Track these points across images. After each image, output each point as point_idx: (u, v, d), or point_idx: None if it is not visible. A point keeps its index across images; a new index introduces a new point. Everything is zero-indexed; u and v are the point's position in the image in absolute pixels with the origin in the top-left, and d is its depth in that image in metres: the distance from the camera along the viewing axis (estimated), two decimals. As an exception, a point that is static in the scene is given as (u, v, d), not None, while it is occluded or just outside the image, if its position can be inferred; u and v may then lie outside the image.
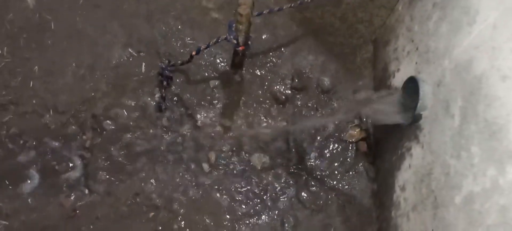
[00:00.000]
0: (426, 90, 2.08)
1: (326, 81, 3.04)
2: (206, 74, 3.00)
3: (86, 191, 2.76)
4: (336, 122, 2.96)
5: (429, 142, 2.09)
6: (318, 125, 2.97)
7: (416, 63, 2.31)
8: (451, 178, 1.88)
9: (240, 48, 2.57)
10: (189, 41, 3.04)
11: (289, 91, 3.03)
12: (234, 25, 2.48)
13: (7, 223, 2.60)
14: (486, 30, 1.71)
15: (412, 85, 2.21)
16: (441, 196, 1.94)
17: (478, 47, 1.74)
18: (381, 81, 2.87)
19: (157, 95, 2.93)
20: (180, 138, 2.90)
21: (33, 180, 2.75)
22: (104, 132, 2.85)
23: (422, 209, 2.12)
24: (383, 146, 2.75)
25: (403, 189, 2.38)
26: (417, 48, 2.32)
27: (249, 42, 2.60)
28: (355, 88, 3.05)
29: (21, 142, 2.78)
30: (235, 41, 2.52)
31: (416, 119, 2.19)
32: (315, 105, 3.02)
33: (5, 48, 2.88)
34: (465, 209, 1.74)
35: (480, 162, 1.67)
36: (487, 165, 1.63)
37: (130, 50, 2.98)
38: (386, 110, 2.37)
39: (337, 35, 3.14)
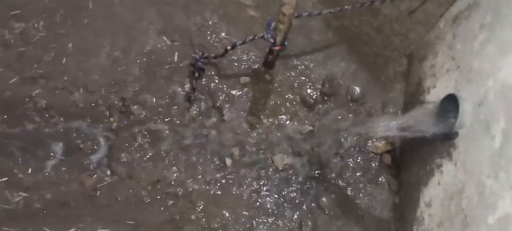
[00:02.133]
0: (465, 108, 2.08)
1: (357, 90, 3.04)
2: (237, 70, 3.01)
3: (108, 172, 2.77)
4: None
5: (464, 160, 2.09)
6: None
7: (456, 81, 2.31)
8: (485, 197, 1.87)
9: (276, 47, 2.58)
10: (224, 36, 3.05)
11: (318, 96, 3.04)
12: (273, 24, 2.49)
13: (27, 195, 2.61)
14: (539, 55, 1.71)
15: (450, 103, 2.20)
16: (473, 215, 1.94)
17: (529, 71, 1.74)
18: (413, 96, 2.87)
19: (187, 85, 2.94)
20: (205, 130, 2.91)
21: (56, 156, 2.76)
22: (131, 116, 2.86)
23: (449, 226, 2.11)
24: (410, 160, 2.75)
25: (429, 205, 2.38)
26: (458, 67, 2.32)
27: (286, 43, 2.61)
28: (385, 100, 3.05)
29: (48, 116, 2.79)
30: (272, 40, 2.53)
31: (452, 136, 2.18)
32: (343, 113, 3.03)
33: (41, 22, 2.90)
34: (499, 230, 1.74)
35: (521, 184, 1.67)
36: (529, 189, 1.63)
37: (164, 38, 3.00)
38: (423, 126, 2.37)
39: (371, 46, 3.15)
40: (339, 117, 3.01)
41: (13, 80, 2.77)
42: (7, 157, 2.65)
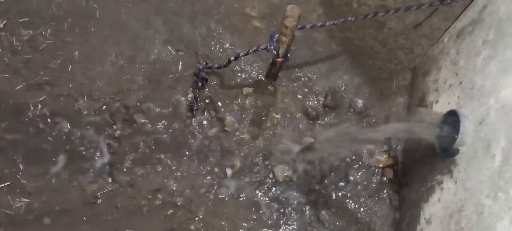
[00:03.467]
0: (467, 126, 2.05)
1: (360, 103, 3.03)
2: (240, 81, 3.02)
3: (110, 180, 2.79)
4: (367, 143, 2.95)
5: (464, 178, 2.05)
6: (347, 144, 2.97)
7: (458, 97, 2.28)
8: (484, 218, 1.84)
9: (279, 59, 2.58)
10: (228, 46, 3.06)
11: (321, 108, 3.03)
12: (276, 35, 2.49)
13: (28, 201, 2.64)
14: (540, 74, 1.68)
15: (452, 119, 2.18)
16: (471, 235, 1.91)
17: (531, 90, 1.71)
18: (415, 111, 2.85)
19: (190, 95, 2.96)
20: (207, 140, 2.92)
21: (59, 162, 2.78)
22: (134, 124, 2.88)
23: (449, 245, 2.08)
24: (412, 176, 2.72)
25: (429, 222, 2.35)
26: (460, 83, 2.29)
27: (289, 55, 2.61)
28: (388, 113, 3.03)
29: (52, 123, 2.82)
30: (275, 52, 2.53)
31: (452, 153, 2.15)
32: (345, 125, 3.01)
33: (49, 29, 2.94)
34: (498, 252, 1.70)
35: (520, 206, 1.64)
36: (528, 210, 1.59)
37: (169, 47, 3.02)
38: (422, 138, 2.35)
39: (375, 59, 3.13)
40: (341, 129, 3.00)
41: (20, 86, 2.81)
42: (10, 162, 2.68)
